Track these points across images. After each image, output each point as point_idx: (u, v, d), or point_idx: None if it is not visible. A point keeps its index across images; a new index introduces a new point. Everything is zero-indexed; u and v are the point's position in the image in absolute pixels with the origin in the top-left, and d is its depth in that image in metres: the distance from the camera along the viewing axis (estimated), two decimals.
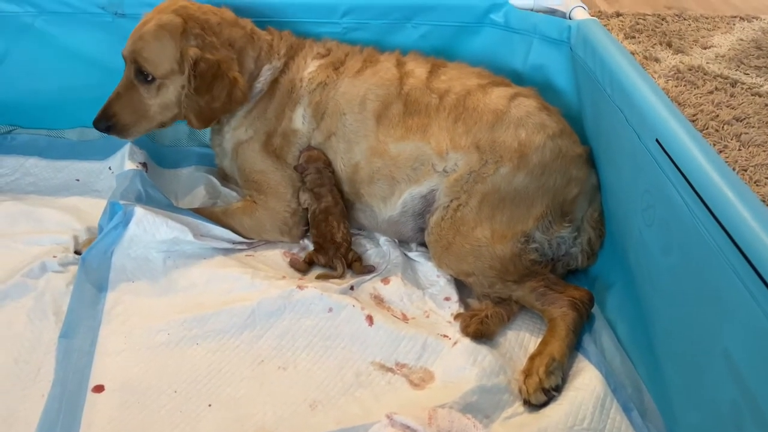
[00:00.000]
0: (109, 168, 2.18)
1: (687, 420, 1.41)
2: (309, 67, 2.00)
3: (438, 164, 1.83)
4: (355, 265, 1.88)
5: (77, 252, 1.84)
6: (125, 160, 2.05)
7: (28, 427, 1.40)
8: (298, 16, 2.16)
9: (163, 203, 1.94)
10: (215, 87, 1.83)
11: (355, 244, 1.97)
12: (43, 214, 1.97)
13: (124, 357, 1.58)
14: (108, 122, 1.87)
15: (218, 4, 1.98)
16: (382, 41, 2.17)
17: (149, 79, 1.84)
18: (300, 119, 1.98)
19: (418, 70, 1.95)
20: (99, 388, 1.50)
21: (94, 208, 1.99)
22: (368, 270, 1.88)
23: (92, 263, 1.76)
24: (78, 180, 2.18)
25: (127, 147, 2.09)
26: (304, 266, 1.88)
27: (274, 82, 1.99)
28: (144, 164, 2.05)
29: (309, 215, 1.95)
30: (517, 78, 2.11)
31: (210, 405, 1.49)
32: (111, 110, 1.86)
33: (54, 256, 1.80)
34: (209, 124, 1.94)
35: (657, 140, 1.46)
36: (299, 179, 1.97)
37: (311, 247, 1.94)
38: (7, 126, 2.34)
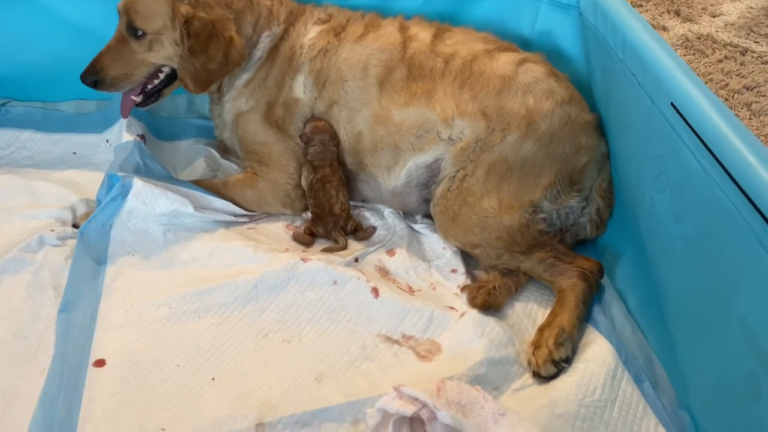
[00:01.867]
0: (107, 140, 2.13)
1: (700, 390, 1.38)
2: (309, 34, 1.94)
3: (443, 131, 1.78)
4: (358, 233, 1.85)
5: (75, 225, 1.81)
6: (123, 132, 1.99)
7: (28, 402, 1.37)
8: None
9: (162, 175, 1.90)
10: (210, 47, 1.77)
11: (358, 216, 1.93)
12: (40, 187, 1.94)
13: (125, 331, 1.55)
14: (95, 76, 1.82)
15: None
16: (384, 7, 2.10)
17: (140, 34, 1.79)
18: (301, 88, 1.92)
19: (422, 34, 1.89)
20: (100, 363, 1.47)
21: (91, 182, 1.95)
22: (371, 232, 1.85)
23: (91, 237, 1.73)
24: (75, 153, 2.13)
25: (125, 119, 2.03)
26: (307, 239, 1.84)
27: (274, 50, 1.93)
28: (142, 136, 2.00)
29: (306, 185, 1.91)
30: (524, 44, 2.05)
31: (213, 379, 1.46)
32: (99, 64, 1.82)
33: (52, 230, 1.77)
34: (206, 87, 1.89)
35: (672, 104, 1.41)
36: (303, 149, 1.92)
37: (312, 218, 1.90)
38: (2, 98, 2.29)
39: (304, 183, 1.92)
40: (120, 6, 1.81)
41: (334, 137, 1.89)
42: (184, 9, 1.75)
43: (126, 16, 1.79)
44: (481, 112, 1.75)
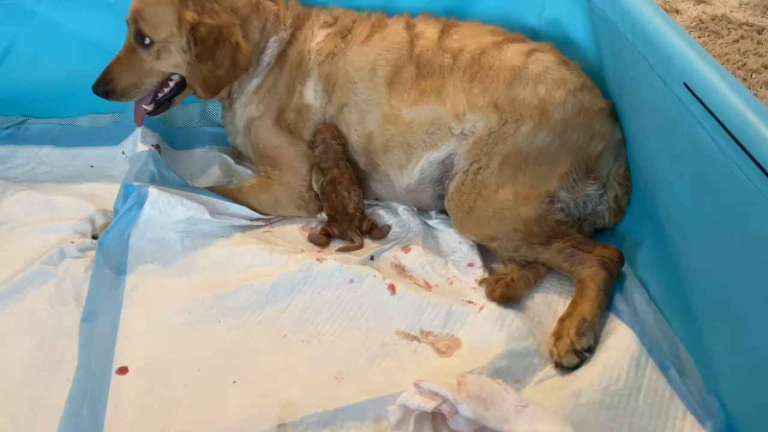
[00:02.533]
0: (123, 152, 2.16)
1: (729, 375, 1.35)
2: (316, 38, 1.94)
3: (455, 127, 1.77)
4: (374, 232, 1.85)
5: (94, 237, 1.83)
6: (138, 143, 2.02)
7: (54, 411, 1.39)
8: None
9: (177, 183, 1.91)
10: (217, 53, 1.79)
11: (373, 215, 1.93)
12: (60, 201, 1.97)
13: (146, 338, 1.57)
14: (106, 87, 1.85)
15: None
16: (390, 6, 2.10)
17: (148, 42, 1.81)
18: (312, 94, 1.93)
19: (428, 30, 1.88)
20: (123, 370, 1.49)
21: (109, 193, 1.97)
22: (386, 231, 1.85)
23: (109, 247, 1.75)
24: (92, 166, 2.16)
25: (140, 130, 2.06)
26: (323, 240, 1.85)
27: (282, 54, 1.94)
28: (157, 146, 2.03)
29: (318, 189, 1.91)
30: (533, 35, 2.03)
31: (235, 381, 1.47)
32: (110, 75, 1.85)
33: (72, 242, 1.79)
34: (216, 93, 1.91)
35: (685, 84, 1.38)
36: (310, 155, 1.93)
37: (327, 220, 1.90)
38: (20, 116, 2.33)
39: (315, 187, 1.92)
40: (128, 16, 1.84)
41: (338, 136, 1.90)
42: (190, 16, 1.77)
43: (134, 25, 1.82)
44: (493, 105, 1.73)
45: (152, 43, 1.82)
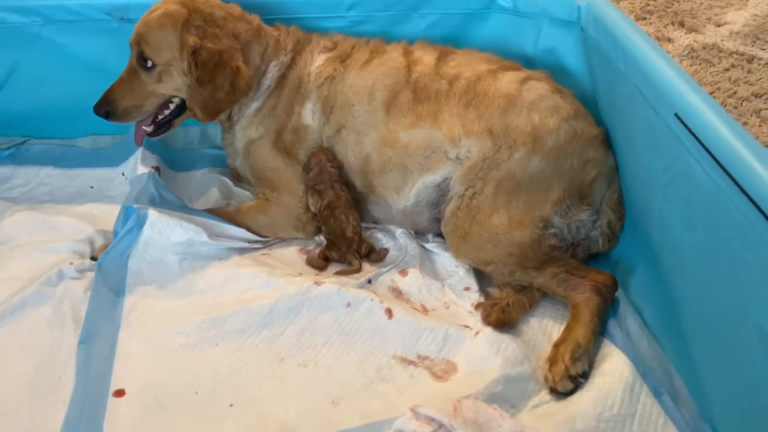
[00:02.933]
0: (123, 174, 2.18)
1: (722, 402, 1.37)
2: (316, 62, 1.98)
3: (450, 151, 1.80)
4: (372, 255, 1.87)
5: (93, 258, 1.84)
6: (138, 165, 2.04)
7: None
8: (304, 12, 2.15)
9: (176, 205, 1.93)
10: (218, 77, 1.82)
11: (371, 237, 1.95)
12: (59, 222, 1.98)
13: (143, 360, 1.57)
14: (108, 107, 1.88)
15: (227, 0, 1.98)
16: (389, 33, 2.15)
17: (150, 65, 1.84)
18: (309, 114, 1.96)
19: (425, 57, 1.93)
20: (120, 393, 1.49)
21: (108, 215, 1.99)
22: (384, 254, 1.87)
23: (109, 268, 1.76)
24: (92, 187, 2.18)
25: (140, 152, 2.08)
26: (321, 263, 1.86)
27: (282, 78, 1.98)
28: (157, 168, 2.05)
29: (316, 212, 1.94)
30: (528, 62, 2.08)
31: (232, 405, 1.47)
32: (111, 96, 1.88)
33: (71, 263, 1.80)
34: (215, 116, 1.94)
35: (676, 114, 1.42)
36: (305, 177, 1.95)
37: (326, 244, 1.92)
38: (21, 137, 2.36)
39: (312, 209, 1.94)
40: (132, 39, 1.88)
41: (332, 159, 1.92)
42: (192, 40, 1.80)
43: (137, 48, 1.85)
44: (488, 131, 1.77)
45: (154, 66, 1.85)
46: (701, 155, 1.33)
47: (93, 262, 1.81)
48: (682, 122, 1.40)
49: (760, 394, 1.21)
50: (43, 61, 2.19)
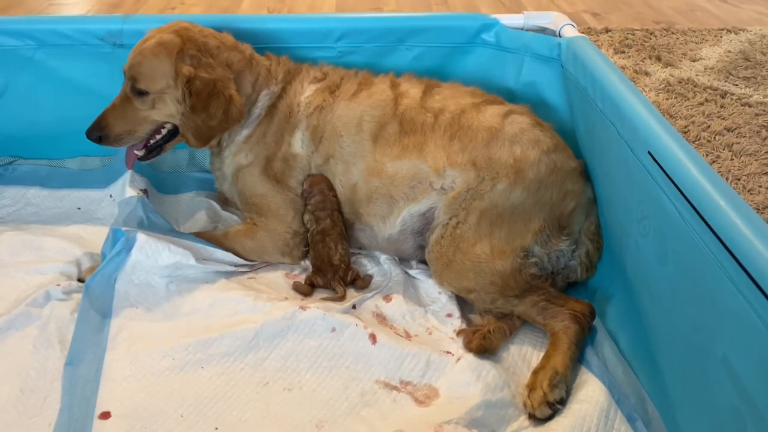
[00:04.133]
0: (110, 196, 2.20)
1: (690, 428, 1.41)
2: (306, 92, 2.04)
3: (435, 182, 1.86)
4: (357, 282, 1.91)
5: (80, 280, 1.86)
6: (126, 187, 2.07)
7: None
8: (294, 42, 2.21)
9: (164, 228, 1.96)
10: (211, 105, 1.87)
11: (356, 263, 1.99)
12: (46, 243, 1.99)
13: (129, 383, 1.58)
14: (100, 132, 1.91)
15: (220, 29, 2.02)
16: (376, 64, 2.22)
17: (143, 92, 1.89)
18: (299, 143, 2.01)
19: (412, 90, 1.99)
20: (105, 415, 1.50)
21: (96, 236, 2.01)
22: (369, 281, 1.91)
23: (96, 290, 1.78)
24: (79, 208, 2.20)
25: (128, 174, 2.11)
26: (307, 289, 1.89)
27: (272, 107, 2.02)
28: (145, 191, 2.08)
29: (309, 237, 1.98)
30: (510, 96, 2.15)
31: (216, 428, 1.49)
32: (104, 121, 1.91)
33: (57, 285, 1.82)
34: (207, 143, 1.98)
35: (649, 152, 1.49)
36: (304, 204, 1.99)
37: (312, 269, 1.96)
38: (9, 157, 2.37)
39: (306, 225, 1.98)
40: (126, 66, 1.91)
41: (332, 188, 1.97)
42: (187, 69, 1.85)
43: (131, 75, 1.89)
44: (471, 163, 1.83)
45: (147, 93, 1.89)
46: (672, 192, 1.40)
47: (80, 284, 1.83)
48: (655, 160, 1.46)
49: (724, 422, 1.26)
50: (34, 84, 2.22)
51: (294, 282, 1.93)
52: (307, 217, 1.98)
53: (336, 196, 1.97)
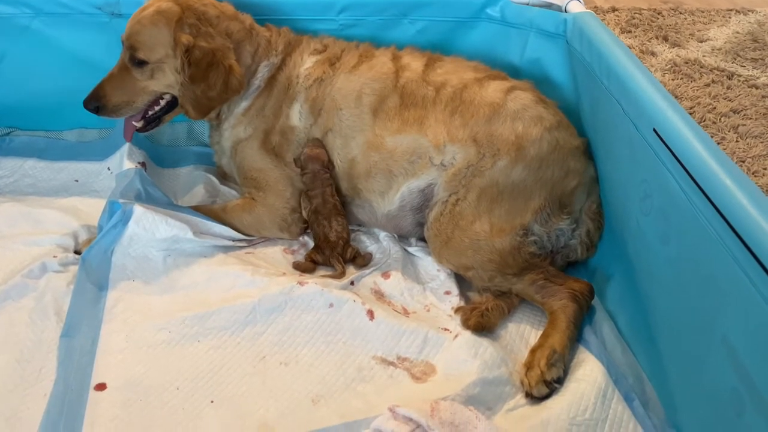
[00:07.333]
0: (108, 168, 2.18)
1: (688, 408, 1.41)
2: (305, 64, 2.00)
3: (435, 157, 1.83)
4: (357, 260, 1.89)
5: (77, 252, 1.84)
6: (124, 160, 2.05)
7: (30, 426, 1.40)
8: (295, 14, 2.17)
9: (162, 201, 1.94)
10: (210, 75, 1.84)
11: (355, 240, 1.98)
12: (43, 214, 1.98)
13: (125, 355, 1.58)
14: (98, 103, 1.88)
15: None
16: (378, 37, 2.18)
17: (142, 62, 1.85)
18: (297, 116, 1.98)
19: (414, 63, 1.96)
20: (101, 387, 1.50)
21: (93, 209, 1.99)
22: (369, 259, 1.89)
23: (92, 263, 1.76)
24: (77, 180, 2.18)
25: (126, 147, 2.09)
26: (309, 266, 1.87)
27: (272, 79, 1.99)
28: (143, 164, 2.06)
29: (306, 217, 1.96)
30: (514, 72, 2.11)
31: (212, 401, 1.49)
32: (102, 91, 1.89)
33: (54, 257, 1.80)
34: (206, 113, 1.95)
35: (654, 130, 1.46)
36: (298, 176, 1.97)
37: (311, 244, 1.95)
38: (6, 128, 2.35)
39: (304, 214, 1.96)
40: (124, 36, 1.88)
41: (327, 165, 1.94)
42: (186, 38, 1.81)
43: (129, 45, 1.86)
44: (472, 139, 1.80)
45: (146, 63, 1.86)
46: (677, 170, 1.38)
47: (77, 256, 1.81)
48: (660, 137, 1.44)
49: (723, 401, 1.26)
50: (31, 53, 2.18)
51: (294, 261, 1.91)
52: (303, 203, 1.96)
53: (328, 171, 1.94)
